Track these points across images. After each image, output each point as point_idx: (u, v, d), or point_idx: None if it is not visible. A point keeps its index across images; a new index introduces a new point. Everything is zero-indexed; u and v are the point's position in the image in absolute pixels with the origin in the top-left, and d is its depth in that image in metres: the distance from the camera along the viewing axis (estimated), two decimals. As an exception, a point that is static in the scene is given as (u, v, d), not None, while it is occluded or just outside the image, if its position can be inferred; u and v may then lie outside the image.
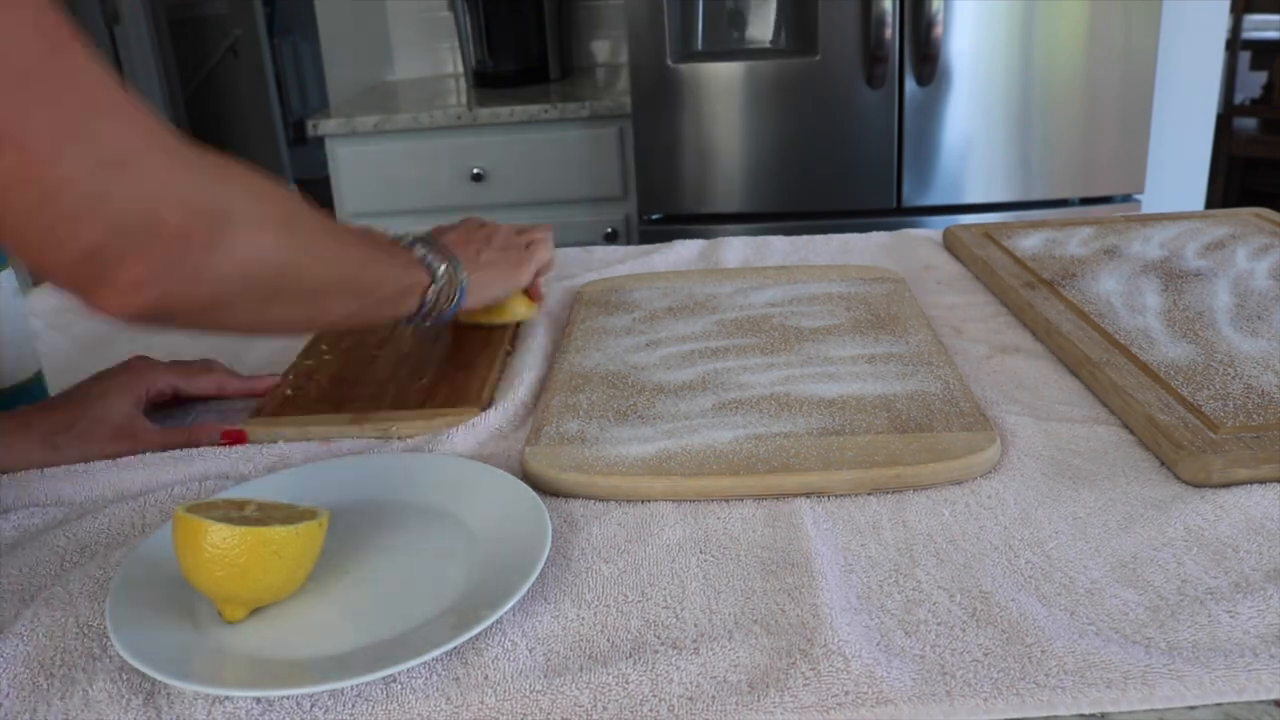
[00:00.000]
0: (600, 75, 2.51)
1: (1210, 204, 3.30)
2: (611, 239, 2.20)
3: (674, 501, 0.64)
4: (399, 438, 0.76)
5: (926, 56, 1.84)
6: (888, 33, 1.82)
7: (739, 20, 1.96)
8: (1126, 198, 1.98)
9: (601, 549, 0.61)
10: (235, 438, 0.77)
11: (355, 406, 0.80)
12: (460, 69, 2.61)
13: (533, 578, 0.55)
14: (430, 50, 2.67)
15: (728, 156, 1.96)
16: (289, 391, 0.82)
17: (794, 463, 0.65)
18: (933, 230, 1.14)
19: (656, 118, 1.94)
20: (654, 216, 2.02)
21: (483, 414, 0.77)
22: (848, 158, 1.94)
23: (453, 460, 0.69)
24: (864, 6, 1.82)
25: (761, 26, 1.95)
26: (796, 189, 1.97)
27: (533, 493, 0.63)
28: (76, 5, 3.80)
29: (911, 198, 1.95)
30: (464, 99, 2.31)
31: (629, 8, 1.88)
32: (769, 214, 1.99)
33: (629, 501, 0.65)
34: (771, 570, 0.57)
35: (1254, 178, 3.43)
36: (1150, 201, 2.02)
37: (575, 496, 0.66)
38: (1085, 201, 1.99)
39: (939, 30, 1.82)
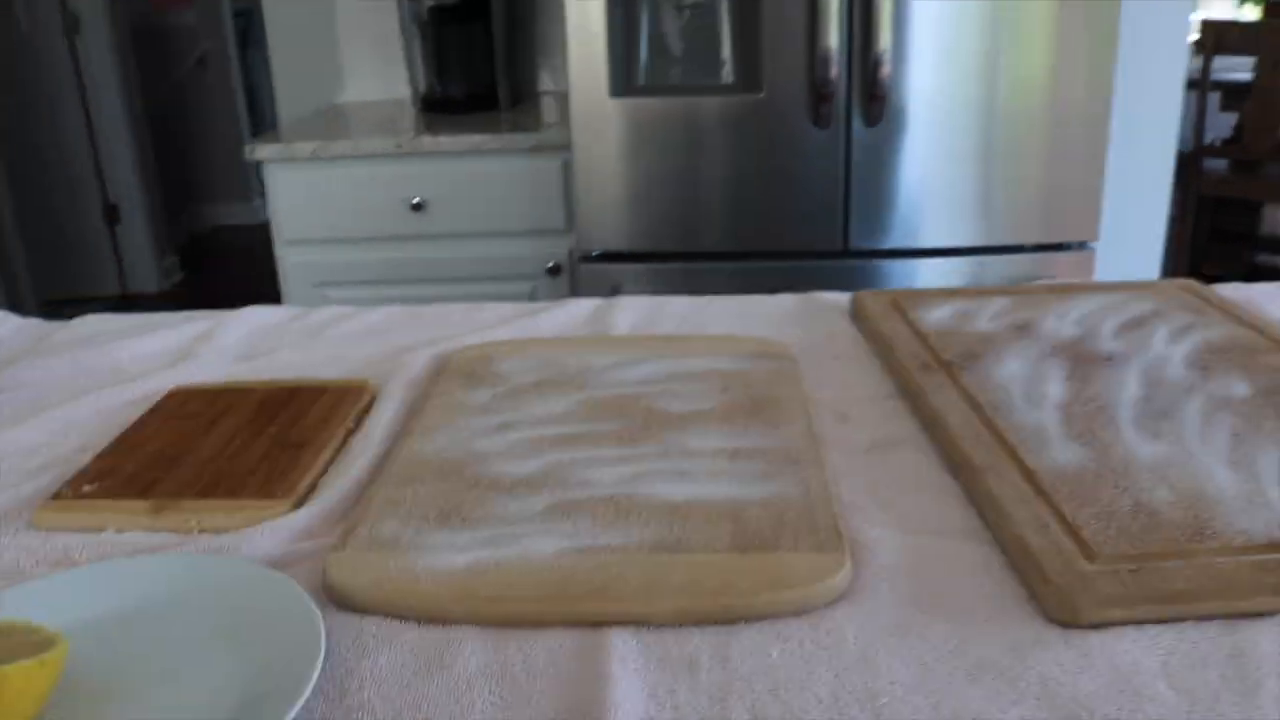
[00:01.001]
0: (550, 104, 2.44)
1: (1179, 243, 3.25)
2: (554, 273, 2.13)
3: (479, 625, 0.57)
4: (200, 532, 0.68)
5: (874, 96, 1.78)
6: (833, 71, 1.76)
7: (682, 55, 1.90)
8: (1081, 245, 1.92)
9: (384, 682, 0.54)
10: None
11: (166, 490, 0.72)
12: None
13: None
14: (384, 74, 2.60)
15: (670, 194, 1.89)
16: (89, 485, 0.74)
17: (613, 587, 0.57)
18: (843, 295, 1.07)
19: (596, 153, 1.87)
20: (594, 253, 1.95)
21: (299, 508, 0.70)
22: (793, 198, 1.87)
23: (237, 566, 0.62)
24: (809, 44, 1.76)
25: (705, 62, 1.89)
26: (741, 229, 1.90)
27: (313, 611, 0.56)
28: (35, 12, 3.73)
29: (859, 240, 1.88)
30: (411, 125, 2.24)
31: (568, 40, 1.81)
32: (713, 253, 1.92)
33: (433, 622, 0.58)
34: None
35: (1224, 217, 3.38)
36: (1106, 248, 1.95)
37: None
38: (1039, 248, 1.92)
39: (886, 69, 1.76)
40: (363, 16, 2.54)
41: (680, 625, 0.56)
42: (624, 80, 1.85)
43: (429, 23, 2.30)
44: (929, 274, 1.90)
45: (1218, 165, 3.24)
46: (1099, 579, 0.56)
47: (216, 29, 4.81)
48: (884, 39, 1.73)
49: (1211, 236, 3.38)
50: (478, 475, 0.70)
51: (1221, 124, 3.39)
